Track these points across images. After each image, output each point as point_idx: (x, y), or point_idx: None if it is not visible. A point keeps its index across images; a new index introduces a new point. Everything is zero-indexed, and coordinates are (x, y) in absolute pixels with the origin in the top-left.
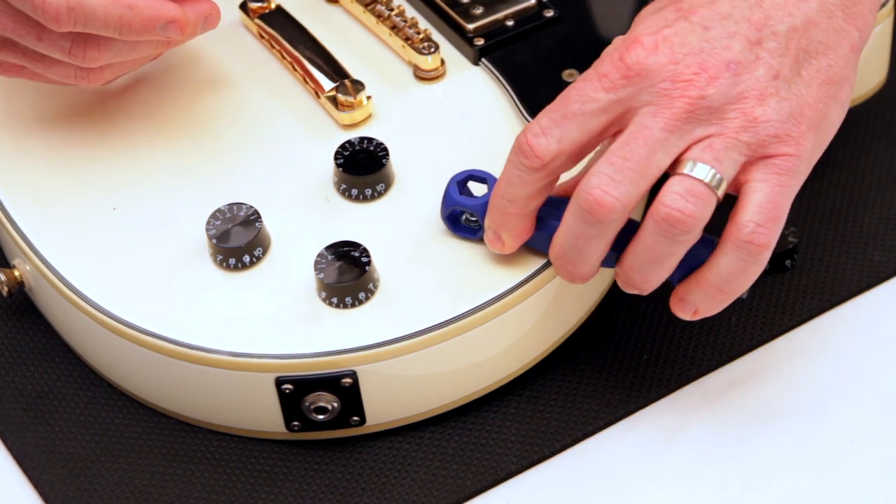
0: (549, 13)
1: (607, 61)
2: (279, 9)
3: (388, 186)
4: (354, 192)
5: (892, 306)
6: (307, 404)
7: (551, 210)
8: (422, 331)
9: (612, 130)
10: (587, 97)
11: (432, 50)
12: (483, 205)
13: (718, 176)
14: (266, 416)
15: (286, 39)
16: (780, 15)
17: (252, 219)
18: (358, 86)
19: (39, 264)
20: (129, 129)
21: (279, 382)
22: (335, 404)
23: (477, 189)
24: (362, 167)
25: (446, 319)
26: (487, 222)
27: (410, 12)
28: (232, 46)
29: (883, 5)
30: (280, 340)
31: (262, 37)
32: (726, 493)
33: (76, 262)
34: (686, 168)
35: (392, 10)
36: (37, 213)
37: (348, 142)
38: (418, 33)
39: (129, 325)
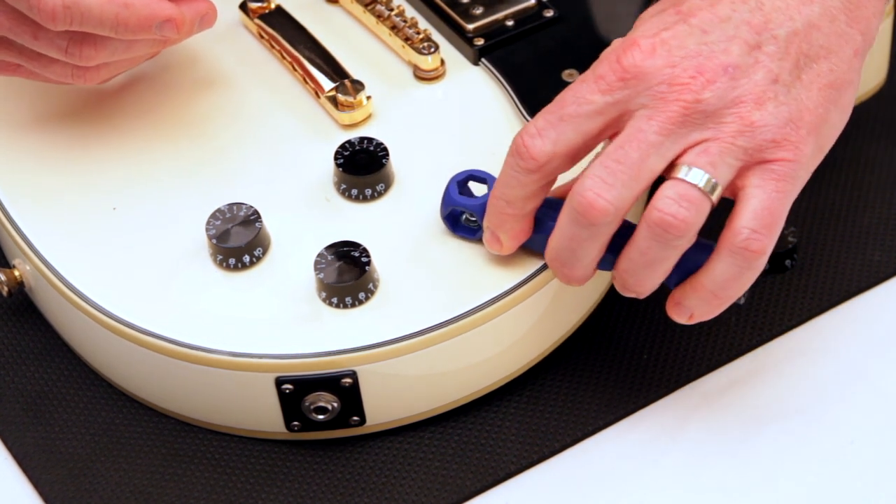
0: (549, 13)
1: (604, 63)
2: (279, 9)
3: (388, 186)
4: (354, 192)
5: (892, 306)
6: (307, 404)
7: (550, 212)
8: (422, 331)
9: (608, 133)
10: (583, 99)
11: (432, 50)
12: (482, 205)
13: (713, 181)
14: (266, 416)
15: (286, 39)
16: (781, 18)
17: (252, 219)
18: (358, 86)
19: (39, 264)
20: (130, 129)
21: (279, 382)
22: (335, 404)
23: (477, 189)
24: (362, 167)
25: (446, 319)
26: (486, 223)
27: (410, 12)
28: (232, 46)
29: None
30: (280, 340)
31: (261, 37)
32: (726, 493)
33: (76, 262)
34: (681, 172)
35: (392, 10)
36: (37, 213)
37: (348, 142)
38: (418, 33)
39: (129, 325)
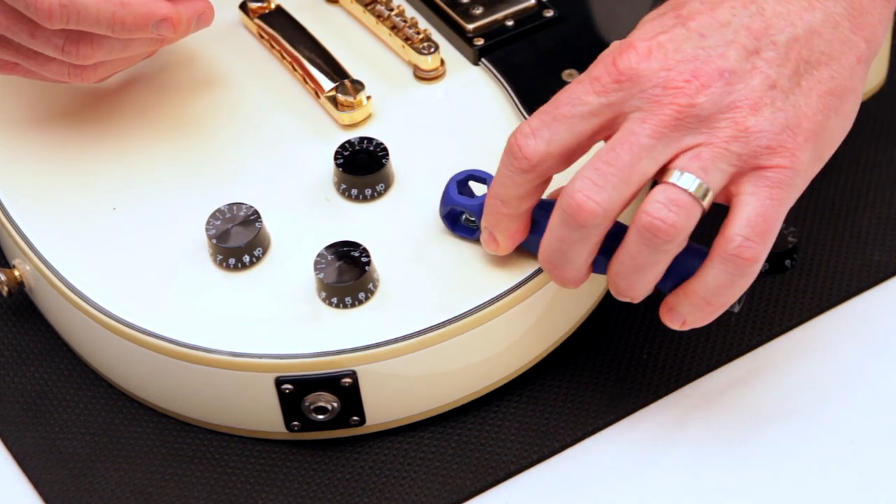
0: (549, 13)
1: (600, 65)
2: (279, 9)
3: (387, 186)
4: (354, 192)
5: (892, 306)
6: (307, 404)
7: (546, 213)
8: (422, 331)
9: (603, 135)
10: (578, 100)
11: (432, 50)
12: (480, 205)
13: (705, 186)
14: (266, 416)
15: (286, 39)
16: (782, 24)
17: (252, 219)
18: (358, 86)
19: (39, 264)
20: (130, 129)
21: (279, 382)
22: (335, 404)
23: (478, 189)
24: (362, 167)
25: (446, 319)
26: (483, 223)
27: (410, 12)
28: (231, 46)
29: None
30: (280, 340)
31: (261, 37)
32: (726, 493)
33: (76, 262)
34: (672, 177)
35: (392, 10)
36: (37, 213)
37: (348, 142)
38: (418, 33)
39: (129, 325)
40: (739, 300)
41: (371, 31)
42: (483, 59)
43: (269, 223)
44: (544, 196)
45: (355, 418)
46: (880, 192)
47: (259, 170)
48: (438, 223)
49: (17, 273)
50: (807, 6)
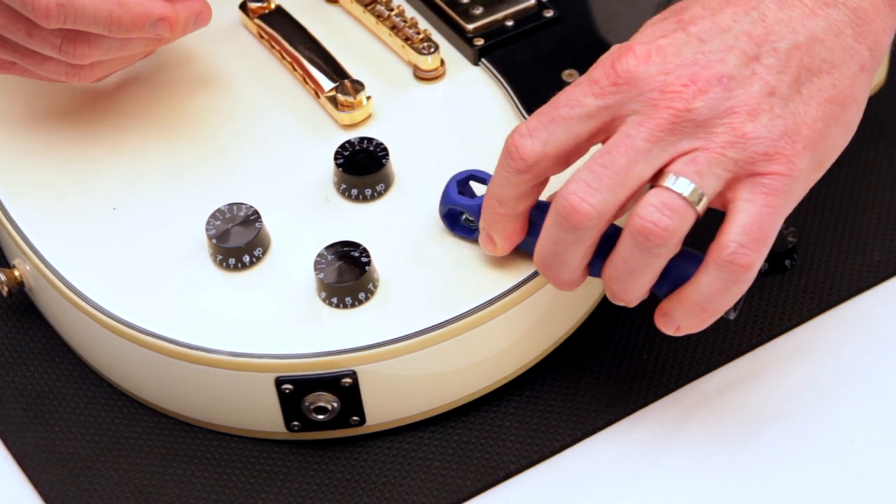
0: (549, 13)
1: (599, 68)
2: (279, 9)
3: (387, 186)
4: (354, 192)
5: (892, 306)
6: (307, 404)
7: (544, 215)
8: (422, 331)
9: (600, 137)
10: (575, 101)
11: (432, 50)
12: (479, 206)
13: (699, 191)
14: (266, 416)
15: (286, 39)
16: (783, 31)
17: (252, 219)
18: (358, 86)
19: (39, 264)
20: (130, 129)
21: (279, 382)
22: (335, 404)
23: (479, 190)
24: (362, 167)
25: (446, 319)
26: (481, 223)
27: (410, 12)
28: (231, 46)
29: None
30: (280, 340)
31: (261, 37)
32: (726, 493)
33: (76, 262)
34: (667, 181)
35: (392, 10)
36: (37, 213)
37: (348, 142)
38: (418, 33)
39: (129, 325)
40: (735, 307)
41: (371, 31)
42: (483, 60)
43: (269, 223)
44: (544, 198)
45: (355, 418)
46: (880, 192)
47: (259, 170)
48: (438, 223)
49: (17, 273)
50: (809, 13)
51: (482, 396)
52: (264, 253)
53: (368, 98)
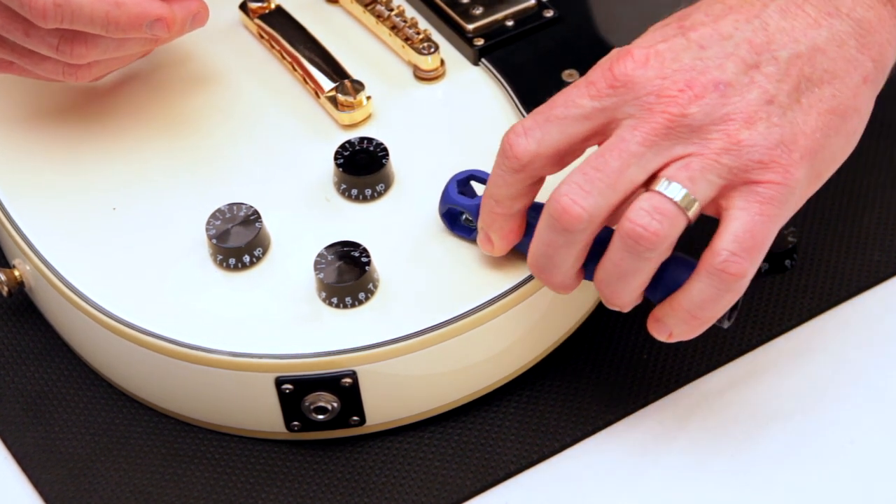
0: (549, 13)
1: (598, 70)
2: (279, 9)
3: (388, 186)
4: (354, 192)
5: (892, 306)
6: (307, 404)
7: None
8: (422, 331)
9: (595, 140)
10: (572, 102)
11: (432, 50)
12: (478, 206)
13: (691, 197)
14: (266, 416)
15: (286, 39)
16: (785, 40)
17: (252, 219)
18: (358, 86)
19: (39, 264)
20: (131, 129)
21: (279, 382)
22: (335, 404)
23: (480, 190)
24: (362, 167)
25: (446, 319)
26: (479, 223)
27: (410, 12)
28: (232, 46)
29: None
30: (280, 340)
31: (261, 37)
32: (726, 494)
33: (76, 262)
34: (660, 185)
35: (392, 10)
36: (37, 213)
37: (348, 142)
38: (418, 33)
39: (129, 325)
40: (729, 316)
41: (371, 31)
42: (483, 60)
43: (269, 223)
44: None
45: (355, 418)
46: (880, 192)
47: (259, 170)
48: (438, 223)
49: (17, 273)
50: (812, 23)
51: (482, 396)
52: (264, 253)
53: (368, 98)
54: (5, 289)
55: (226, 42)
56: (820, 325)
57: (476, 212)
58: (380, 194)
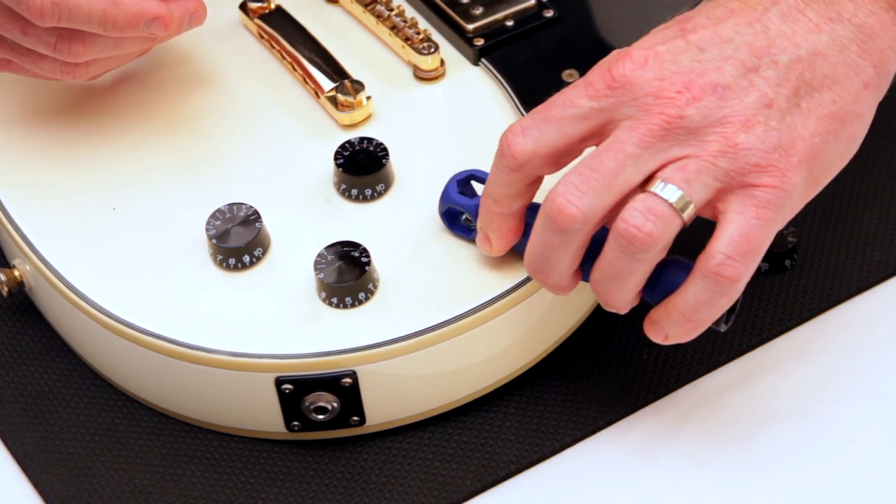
0: (549, 13)
1: (596, 71)
2: (279, 9)
3: (387, 186)
4: (354, 192)
5: (892, 306)
6: (307, 404)
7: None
8: (422, 331)
9: (593, 140)
10: (570, 102)
11: (432, 50)
12: (477, 206)
13: (686, 199)
14: (266, 416)
15: (286, 39)
16: (785, 44)
17: (252, 219)
18: (357, 86)
19: (39, 264)
20: (131, 129)
21: (279, 382)
22: (335, 404)
23: (480, 189)
24: (362, 167)
25: (446, 319)
26: (478, 222)
27: (410, 12)
28: (231, 46)
29: None
30: (280, 340)
31: (261, 37)
32: (726, 494)
33: (76, 262)
34: (655, 187)
35: (392, 10)
36: (37, 213)
37: (348, 142)
38: (418, 33)
39: (129, 325)
40: (726, 319)
41: (371, 31)
42: (483, 60)
43: (269, 223)
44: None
45: (355, 418)
46: (880, 193)
47: (259, 170)
48: (438, 223)
49: (17, 273)
50: (813, 28)
51: (482, 396)
52: (264, 253)
53: (368, 98)
54: (5, 289)
55: (226, 42)
56: (820, 326)
57: (475, 212)
58: (380, 194)
